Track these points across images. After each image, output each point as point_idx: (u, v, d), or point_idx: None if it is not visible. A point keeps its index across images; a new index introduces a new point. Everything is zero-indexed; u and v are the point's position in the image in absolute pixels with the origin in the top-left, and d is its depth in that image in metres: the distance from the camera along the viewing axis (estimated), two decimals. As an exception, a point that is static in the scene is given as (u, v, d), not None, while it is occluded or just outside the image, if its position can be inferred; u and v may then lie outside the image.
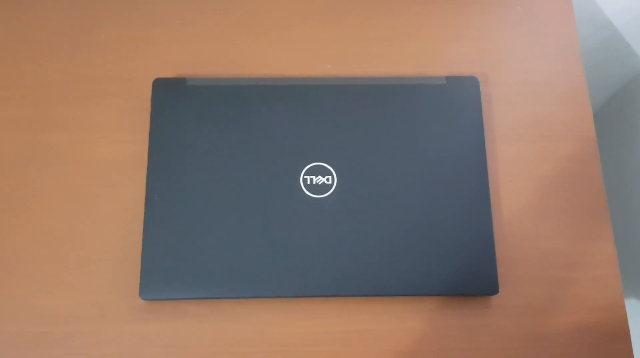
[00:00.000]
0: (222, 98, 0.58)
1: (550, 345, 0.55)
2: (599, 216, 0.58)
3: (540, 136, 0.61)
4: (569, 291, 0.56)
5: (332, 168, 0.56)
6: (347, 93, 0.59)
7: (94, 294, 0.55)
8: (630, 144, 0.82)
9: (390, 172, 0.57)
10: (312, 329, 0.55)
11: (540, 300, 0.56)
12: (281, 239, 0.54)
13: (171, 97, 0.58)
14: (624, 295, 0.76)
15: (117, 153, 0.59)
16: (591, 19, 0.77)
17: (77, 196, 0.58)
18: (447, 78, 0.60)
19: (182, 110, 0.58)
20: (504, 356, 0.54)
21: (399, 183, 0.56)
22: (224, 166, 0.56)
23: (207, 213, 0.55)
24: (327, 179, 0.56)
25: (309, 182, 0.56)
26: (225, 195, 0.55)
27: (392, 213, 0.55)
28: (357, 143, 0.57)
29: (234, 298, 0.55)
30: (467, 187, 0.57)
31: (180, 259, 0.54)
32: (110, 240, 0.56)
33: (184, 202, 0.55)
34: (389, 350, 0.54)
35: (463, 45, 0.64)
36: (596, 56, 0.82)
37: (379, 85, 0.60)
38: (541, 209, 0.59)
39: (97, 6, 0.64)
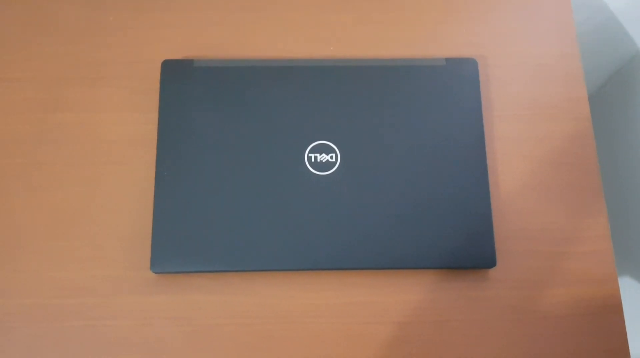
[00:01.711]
0: (229, 79, 0.60)
1: (546, 316, 0.57)
2: (594, 193, 0.60)
3: (536, 115, 0.63)
4: (563, 264, 0.58)
5: (336, 146, 0.58)
6: (350, 74, 0.61)
7: (106, 268, 0.57)
8: (626, 125, 0.83)
9: (391, 150, 0.58)
10: (316, 301, 0.57)
11: (536, 273, 0.58)
12: (286, 215, 0.56)
13: (179, 78, 0.60)
14: (619, 273, 0.78)
15: (127, 132, 0.61)
16: (587, 3, 0.78)
17: (90, 174, 0.59)
18: (447, 60, 0.62)
19: (190, 90, 0.59)
20: (501, 327, 0.56)
21: (400, 160, 0.58)
22: (231, 144, 0.58)
23: (215, 190, 0.57)
24: (331, 157, 0.58)
25: (313, 160, 0.58)
26: (233, 172, 0.57)
27: (393, 190, 0.57)
28: (359, 122, 0.59)
29: (240, 271, 0.56)
30: (466, 165, 0.58)
31: (190, 234, 0.55)
32: (121, 215, 0.58)
33: (192, 179, 0.57)
34: (390, 321, 0.56)
35: (462, 28, 0.66)
36: (592, 39, 0.83)
37: (381, 66, 0.61)
38: (537, 186, 0.60)
39: (106, -10, 0.66)
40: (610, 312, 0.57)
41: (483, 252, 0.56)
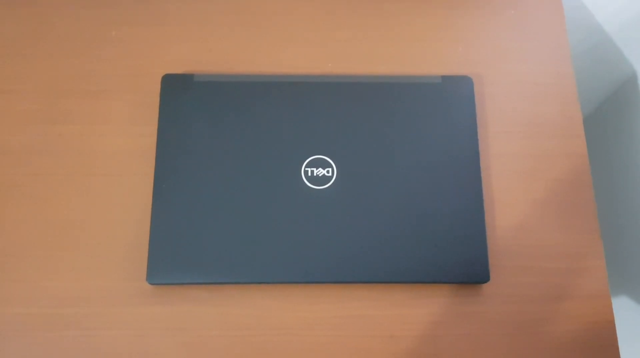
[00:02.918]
0: (228, 93, 0.61)
1: (539, 331, 0.57)
2: (587, 210, 0.61)
3: (531, 133, 0.63)
4: (557, 280, 0.59)
5: (332, 160, 0.59)
6: (347, 90, 0.62)
7: (103, 278, 0.57)
8: (621, 147, 0.84)
9: (387, 165, 0.59)
10: (312, 314, 0.57)
11: (529, 289, 0.58)
12: (283, 228, 0.57)
13: (179, 92, 0.61)
14: (613, 294, 0.79)
15: (127, 145, 0.61)
16: (582, 24, 0.79)
17: (88, 185, 0.60)
18: (443, 77, 0.63)
19: (190, 104, 0.60)
20: (495, 341, 0.57)
21: (396, 176, 0.59)
22: (229, 158, 0.59)
23: (213, 202, 0.57)
24: (327, 172, 0.58)
25: (310, 174, 0.58)
26: (230, 185, 0.58)
27: (388, 205, 0.58)
28: (356, 138, 0.60)
29: (236, 283, 0.57)
30: (461, 181, 0.59)
31: (186, 245, 0.56)
32: (119, 227, 0.59)
33: (190, 191, 0.57)
34: (385, 335, 0.57)
35: (458, 46, 0.67)
36: (587, 61, 0.84)
37: (378, 83, 0.62)
38: (531, 202, 0.61)
39: (109, 6, 0.67)
40: (603, 328, 0.57)
41: (477, 267, 0.57)
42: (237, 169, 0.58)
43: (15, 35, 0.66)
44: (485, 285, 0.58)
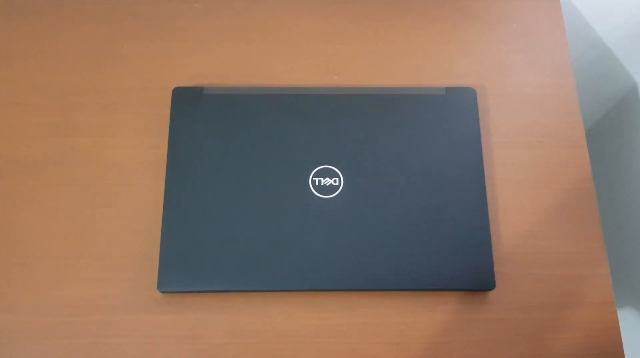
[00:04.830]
0: (237, 106, 0.62)
1: (544, 338, 0.58)
2: (590, 218, 0.62)
3: (534, 142, 0.64)
4: (561, 288, 0.59)
5: (339, 170, 0.60)
6: (353, 102, 0.63)
7: (114, 287, 0.58)
8: (624, 158, 0.85)
9: (393, 175, 0.60)
10: (320, 321, 0.58)
11: (534, 296, 0.59)
12: (291, 236, 0.58)
13: (189, 104, 0.62)
14: (618, 301, 0.79)
15: (138, 156, 0.63)
16: (583, 37, 0.81)
17: (101, 196, 0.61)
18: (447, 89, 0.64)
19: (200, 117, 0.62)
20: (500, 348, 0.57)
21: (402, 184, 0.60)
22: (238, 168, 0.60)
23: (222, 212, 0.58)
24: (335, 181, 0.59)
25: (317, 183, 0.59)
26: (239, 195, 0.59)
27: (394, 213, 0.59)
28: (362, 148, 0.61)
29: (246, 291, 0.58)
30: (465, 190, 0.60)
31: (196, 254, 0.57)
32: (131, 236, 0.60)
33: (200, 202, 0.58)
34: (391, 342, 0.57)
35: (462, 59, 0.68)
36: (589, 74, 0.85)
37: (383, 94, 0.63)
38: (535, 210, 0.62)
39: (121, 21, 0.69)
40: (608, 335, 0.58)
41: (482, 274, 0.57)
42: (246, 180, 0.59)
43: (30, 49, 0.67)
44: (490, 292, 0.59)
